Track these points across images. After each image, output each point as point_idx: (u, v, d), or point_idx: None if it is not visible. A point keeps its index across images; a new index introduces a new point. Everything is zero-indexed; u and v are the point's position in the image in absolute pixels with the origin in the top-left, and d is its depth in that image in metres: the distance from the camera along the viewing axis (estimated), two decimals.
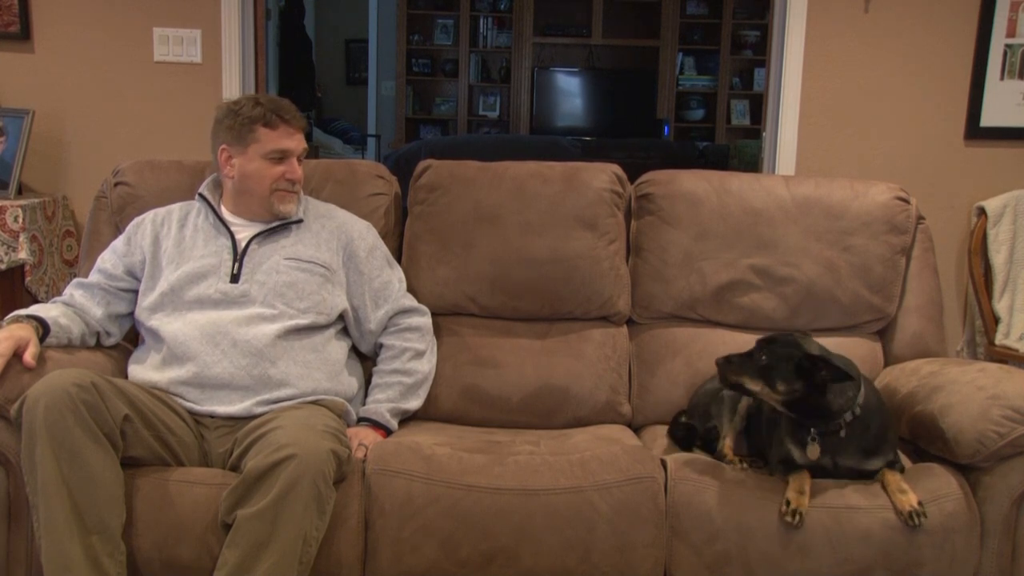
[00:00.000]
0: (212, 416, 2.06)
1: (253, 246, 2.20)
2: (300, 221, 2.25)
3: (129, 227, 2.30)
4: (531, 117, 7.95)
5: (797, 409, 1.93)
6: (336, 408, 2.13)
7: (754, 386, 1.93)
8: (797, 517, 1.89)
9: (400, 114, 8.07)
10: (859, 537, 1.90)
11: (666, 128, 7.79)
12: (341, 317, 2.26)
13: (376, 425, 2.17)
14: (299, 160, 2.21)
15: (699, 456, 2.08)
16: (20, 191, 3.26)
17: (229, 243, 2.20)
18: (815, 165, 3.31)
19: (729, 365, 1.95)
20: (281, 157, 2.17)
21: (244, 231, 2.22)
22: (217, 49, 3.33)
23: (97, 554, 1.77)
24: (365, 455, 2.01)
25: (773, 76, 3.39)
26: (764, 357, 1.92)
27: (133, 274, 2.23)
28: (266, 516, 1.75)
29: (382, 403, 2.22)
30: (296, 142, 2.19)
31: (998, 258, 3.23)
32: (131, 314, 2.24)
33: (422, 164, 2.56)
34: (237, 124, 2.16)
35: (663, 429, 2.33)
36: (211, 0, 3.30)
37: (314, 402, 2.10)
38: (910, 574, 1.91)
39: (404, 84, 8.02)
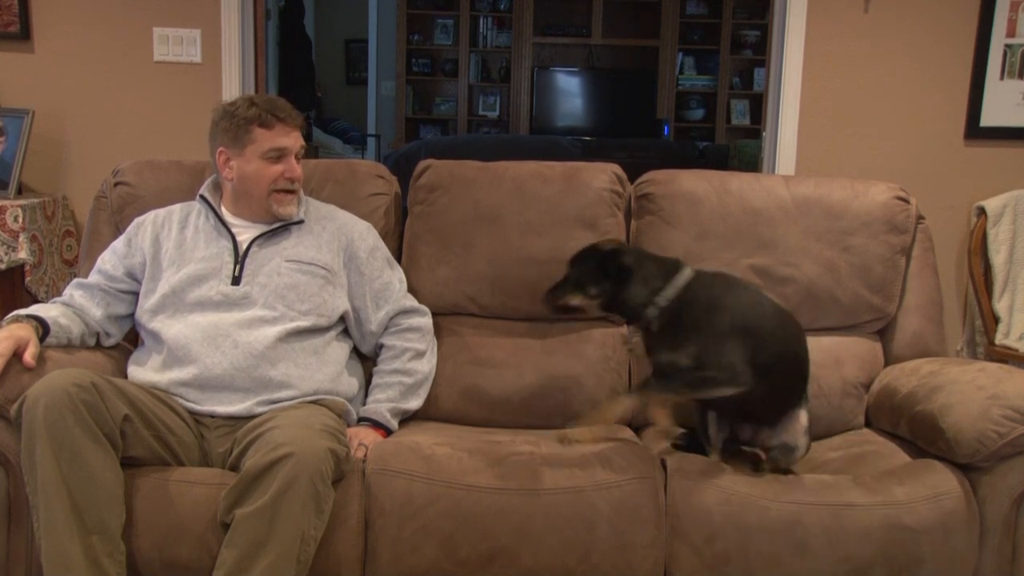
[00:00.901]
0: (212, 416, 2.06)
1: (254, 248, 2.20)
2: (301, 222, 2.25)
3: (129, 228, 2.30)
4: (531, 117, 7.95)
5: (614, 310, 2.06)
6: (336, 408, 2.12)
7: (576, 300, 2.06)
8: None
9: (400, 114, 8.07)
10: (859, 535, 1.90)
11: (666, 128, 7.79)
12: (342, 319, 2.25)
13: (376, 425, 2.17)
14: (297, 158, 2.21)
15: (698, 456, 2.08)
16: (20, 191, 3.26)
17: (230, 245, 2.20)
18: (815, 165, 3.31)
19: (552, 295, 2.09)
20: (279, 156, 2.17)
21: (245, 233, 2.22)
22: (217, 49, 3.33)
23: (97, 554, 1.77)
24: (365, 455, 2.01)
25: (773, 76, 3.39)
26: (574, 271, 2.06)
27: (133, 275, 2.23)
28: (264, 515, 1.75)
29: (382, 403, 2.21)
30: (293, 140, 2.19)
31: (998, 258, 3.23)
32: (131, 315, 2.23)
33: (422, 164, 2.56)
34: (233, 126, 2.16)
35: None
36: (211, 0, 3.31)
37: (314, 402, 2.10)
38: (909, 572, 1.91)
39: (404, 84, 8.03)
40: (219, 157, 2.19)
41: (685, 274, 2.04)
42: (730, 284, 2.07)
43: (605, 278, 2.02)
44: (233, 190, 2.21)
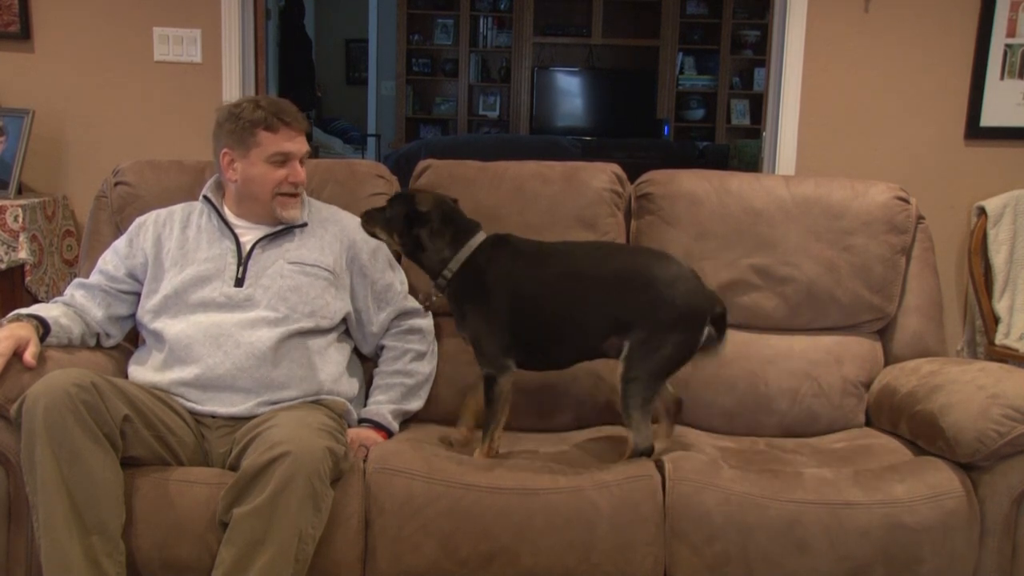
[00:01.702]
0: (213, 416, 2.06)
1: (257, 250, 2.20)
2: (304, 225, 2.24)
3: (131, 228, 2.29)
4: (531, 117, 7.95)
5: (417, 263, 2.15)
6: (337, 408, 2.13)
7: (383, 236, 2.15)
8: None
9: (400, 114, 8.08)
10: (858, 534, 1.90)
11: (666, 128, 7.79)
12: (344, 320, 2.25)
13: (378, 427, 2.17)
14: (302, 162, 2.21)
15: (696, 455, 2.08)
16: (20, 191, 3.26)
17: (233, 246, 2.20)
18: (815, 165, 3.31)
19: (368, 217, 2.16)
20: (284, 160, 2.16)
21: (248, 234, 2.22)
22: (217, 49, 3.33)
23: (96, 554, 1.77)
24: (366, 455, 2.01)
25: (773, 76, 3.39)
26: (388, 212, 2.12)
27: (135, 276, 2.23)
28: (261, 513, 1.75)
29: (383, 404, 2.21)
30: (298, 145, 2.18)
31: (998, 258, 3.23)
32: (131, 316, 2.23)
33: (422, 164, 2.56)
34: (238, 128, 2.15)
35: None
36: (211, 0, 3.31)
37: (315, 402, 2.10)
38: (909, 571, 1.91)
39: (404, 84, 8.03)
40: (223, 158, 2.18)
41: (472, 243, 2.11)
42: (502, 256, 2.11)
43: (409, 232, 2.09)
44: (236, 192, 2.21)
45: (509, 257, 2.11)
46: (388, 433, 2.17)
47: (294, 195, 2.20)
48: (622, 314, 2.02)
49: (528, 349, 2.09)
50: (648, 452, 2.02)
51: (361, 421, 2.19)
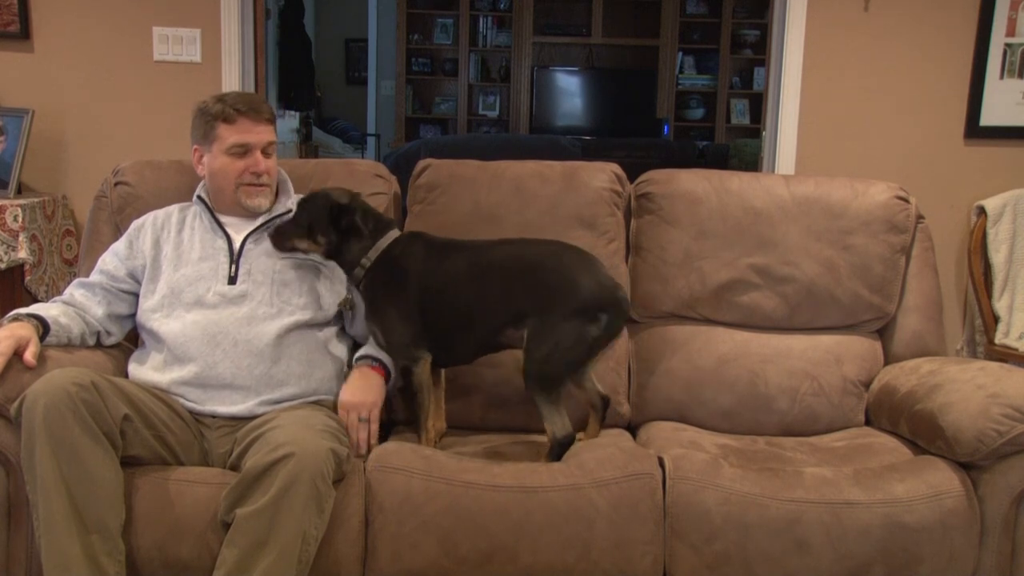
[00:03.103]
0: (214, 416, 2.06)
1: (249, 245, 2.20)
2: (289, 212, 2.25)
3: (130, 230, 2.30)
4: (531, 117, 7.95)
5: (335, 259, 2.15)
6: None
7: (302, 244, 2.12)
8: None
9: (400, 113, 8.08)
10: (858, 533, 1.90)
11: (666, 128, 7.79)
12: (340, 313, 2.26)
13: (374, 363, 2.15)
14: (266, 153, 2.21)
15: (696, 454, 2.08)
16: (20, 190, 3.26)
17: (225, 244, 2.21)
18: (815, 165, 3.31)
19: (280, 235, 2.13)
20: (243, 151, 2.18)
21: (237, 231, 2.23)
22: (217, 49, 3.33)
23: (96, 553, 1.77)
24: (366, 453, 2.01)
25: (773, 76, 3.39)
26: (304, 216, 2.11)
27: (135, 277, 2.24)
28: (264, 514, 1.75)
29: (373, 348, 2.21)
30: (257, 135, 2.18)
31: (998, 257, 3.23)
32: (131, 315, 2.23)
33: (421, 163, 2.56)
34: (202, 123, 2.19)
35: (662, 425, 2.33)
36: (211, 0, 3.31)
37: (316, 402, 2.10)
38: (909, 570, 1.91)
39: (404, 83, 8.03)
40: (194, 155, 2.24)
41: (388, 237, 2.13)
42: (415, 249, 2.13)
43: (333, 228, 2.09)
44: (208, 187, 2.25)
45: (421, 250, 2.14)
46: (385, 370, 2.16)
47: (258, 185, 2.21)
48: (518, 304, 2.05)
49: (434, 342, 2.11)
50: (568, 442, 2.04)
51: (358, 359, 2.18)
